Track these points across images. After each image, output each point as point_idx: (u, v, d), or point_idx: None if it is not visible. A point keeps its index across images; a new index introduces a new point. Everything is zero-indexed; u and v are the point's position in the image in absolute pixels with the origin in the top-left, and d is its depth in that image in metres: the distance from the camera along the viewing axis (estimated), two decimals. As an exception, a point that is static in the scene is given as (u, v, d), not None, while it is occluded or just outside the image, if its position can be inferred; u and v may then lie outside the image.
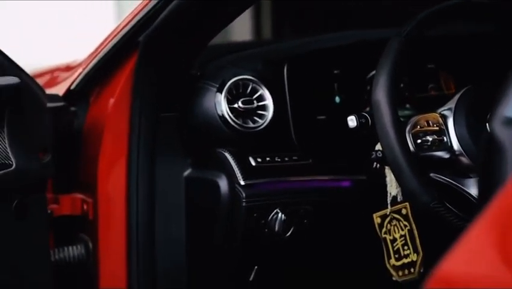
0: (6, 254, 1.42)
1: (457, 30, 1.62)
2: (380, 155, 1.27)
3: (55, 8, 4.52)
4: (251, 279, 1.53)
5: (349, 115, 1.35)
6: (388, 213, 1.34)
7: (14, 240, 1.42)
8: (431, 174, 1.28)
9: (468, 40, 1.62)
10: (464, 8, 1.33)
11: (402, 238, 1.33)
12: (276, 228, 1.46)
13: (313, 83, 1.54)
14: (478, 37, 1.61)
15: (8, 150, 1.39)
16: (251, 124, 1.49)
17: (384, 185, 1.33)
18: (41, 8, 4.51)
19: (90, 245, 1.60)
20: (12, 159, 1.39)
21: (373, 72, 1.33)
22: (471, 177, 1.28)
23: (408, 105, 1.52)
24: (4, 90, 1.37)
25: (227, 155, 1.48)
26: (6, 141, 1.39)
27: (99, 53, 1.58)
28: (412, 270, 1.33)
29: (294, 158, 1.50)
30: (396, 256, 1.34)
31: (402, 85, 1.53)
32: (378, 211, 1.36)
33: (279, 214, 1.46)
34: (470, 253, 0.73)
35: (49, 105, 1.57)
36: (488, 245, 0.73)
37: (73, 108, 1.65)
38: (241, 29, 3.40)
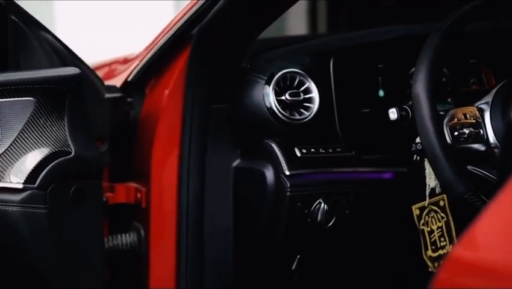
0: (63, 237, 1.45)
1: (499, 25, 1.62)
2: (420, 148, 1.29)
3: (119, 4, 4.61)
4: (294, 267, 1.55)
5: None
6: (426, 205, 1.36)
7: (71, 224, 1.46)
8: (468, 167, 1.29)
9: (509, 36, 1.62)
10: (504, 4, 1.34)
11: (439, 230, 1.34)
12: (319, 218, 1.48)
13: (358, 77, 1.57)
14: None
15: (68, 138, 1.43)
16: (297, 116, 1.52)
17: (423, 177, 1.34)
18: (103, 3, 4.60)
19: (142, 233, 1.64)
20: (72, 147, 1.43)
21: None
22: None
23: (449, 99, 1.53)
24: (65, 80, 1.40)
25: (274, 145, 1.51)
26: (67, 129, 1.43)
27: (154, 46, 1.63)
28: None
29: (338, 149, 1.52)
30: (433, 247, 1.35)
31: (444, 79, 1.54)
32: (417, 203, 1.37)
33: (322, 204, 1.48)
34: (483, 238, 0.75)
35: (107, 95, 1.62)
36: (502, 229, 0.75)
37: (129, 99, 1.70)
38: (296, 25, 3.42)
